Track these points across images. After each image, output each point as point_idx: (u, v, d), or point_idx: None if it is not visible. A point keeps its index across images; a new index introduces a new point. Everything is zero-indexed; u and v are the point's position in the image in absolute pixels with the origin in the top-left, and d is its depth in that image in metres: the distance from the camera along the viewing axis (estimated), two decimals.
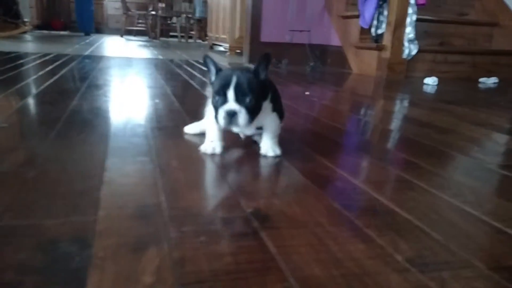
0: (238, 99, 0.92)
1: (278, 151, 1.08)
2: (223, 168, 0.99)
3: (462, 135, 1.51)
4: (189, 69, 3.38)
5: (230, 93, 0.92)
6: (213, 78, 1.01)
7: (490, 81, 3.48)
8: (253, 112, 0.94)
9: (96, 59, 3.67)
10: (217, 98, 0.95)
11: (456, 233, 0.72)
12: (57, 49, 4.39)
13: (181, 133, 1.27)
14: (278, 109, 1.07)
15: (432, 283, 0.56)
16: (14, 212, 0.70)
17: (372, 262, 0.61)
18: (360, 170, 1.08)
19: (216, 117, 0.96)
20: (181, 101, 1.86)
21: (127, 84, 2.36)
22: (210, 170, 0.99)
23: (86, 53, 4.23)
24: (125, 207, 0.74)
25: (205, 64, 1.02)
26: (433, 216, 0.78)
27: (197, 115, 1.44)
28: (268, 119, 1.05)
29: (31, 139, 1.17)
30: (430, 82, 3.12)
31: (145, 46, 6.30)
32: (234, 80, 0.92)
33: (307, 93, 2.40)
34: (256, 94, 0.94)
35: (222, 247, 0.63)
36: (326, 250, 0.64)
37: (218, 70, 1.00)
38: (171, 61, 4.07)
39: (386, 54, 3.47)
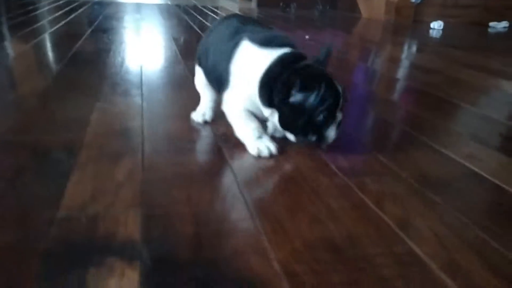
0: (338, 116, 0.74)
1: None
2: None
3: (462, 82, 1.57)
4: (195, 13, 3.40)
5: (338, 112, 0.73)
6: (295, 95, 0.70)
7: (501, 26, 3.41)
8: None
9: (104, 4, 3.71)
10: (319, 116, 0.70)
11: (401, 156, 0.82)
12: None
13: (172, 73, 1.37)
14: None
15: (354, 185, 0.68)
16: (15, 131, 0.83)
17: (311, 170, 0.72)
18: None
19: (302, 132, 0.73)
20: (179, 43, 1.94)
21: (131, 29, 2.43)
22: (192, 105, 1.10)
23: None
24: (110, 127, 0.86)
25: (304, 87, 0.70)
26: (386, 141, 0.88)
27: (192, 56, 1.53)
28: None
29: (37, 75, 1.29)
30: (436, 26, 3.10)
31: None
32: (340, 97, 0.72)
33: (307, 37, 2.43)
34: None
35: (188, 158, 0.75)
36: (276, 161, 0.75)
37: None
38: (178, 6, 4.08)
39: None
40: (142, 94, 1.11)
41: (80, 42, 1.81)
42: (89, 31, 2.16)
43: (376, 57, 2.00)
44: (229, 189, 0.65)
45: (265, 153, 0.76)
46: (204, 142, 0.84)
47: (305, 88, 0.69)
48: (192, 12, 3.55)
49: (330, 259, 0.50)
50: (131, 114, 0.96)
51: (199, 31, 2.42)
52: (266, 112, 0.75)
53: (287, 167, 0.74)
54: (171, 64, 1.49)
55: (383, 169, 0.75)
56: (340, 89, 0.71)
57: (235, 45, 0.77)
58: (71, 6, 3.33)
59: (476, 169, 0.76)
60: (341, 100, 0.72)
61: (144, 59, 1.55)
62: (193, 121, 0.93)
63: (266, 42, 0.75)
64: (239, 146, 0.80)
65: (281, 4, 4.12)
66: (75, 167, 0.68)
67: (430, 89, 1.35)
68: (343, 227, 0.56)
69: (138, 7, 3.77)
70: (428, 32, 3.00)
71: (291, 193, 0.65)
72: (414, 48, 2.34)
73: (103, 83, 1.19)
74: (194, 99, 0.98)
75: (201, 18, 3.09)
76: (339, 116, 0.73)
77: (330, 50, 0.77)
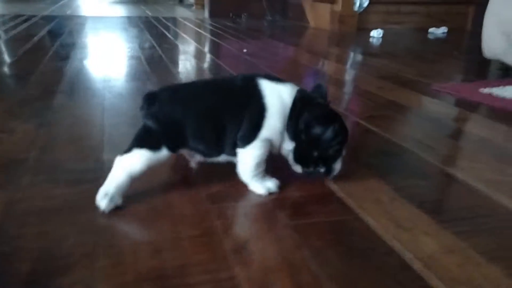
0: None
1: None
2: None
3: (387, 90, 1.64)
4: (157, 24, 3.42)
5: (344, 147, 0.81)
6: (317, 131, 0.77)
7: (439, 31, 3.57)
8: None
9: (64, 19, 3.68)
10: (332, 149, 0.77)
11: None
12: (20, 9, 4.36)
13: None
14: None
15: (214, 211, 0.72)
16: None
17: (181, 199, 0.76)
18: None
19: (314, 163, 0.79)
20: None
21: (95, 44, 2.43)
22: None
23: (46, 13, 4.21)
24: None
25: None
26: None
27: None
28: None
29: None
30: (376, 34, 3.21)
31: (114, 2, 6.22)
32: (348, 133, 0.81)
33: (245, 50, 2.49)
34: None
35: (63, 191, 0.78)
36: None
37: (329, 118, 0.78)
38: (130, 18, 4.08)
39: (338, 7, 3.52)
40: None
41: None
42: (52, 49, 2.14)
43: (306, 72, 2.07)
44: (87, 224, 0.68)
45: (273, 189, 0.80)
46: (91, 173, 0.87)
47: (324, 123, 0.76)
48: (155, 22, 3.55)
49: None
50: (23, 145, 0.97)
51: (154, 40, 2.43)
52: (289, 145, 0.80)
53: (157, 198, 0.78)
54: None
55: (246, 191, 0.79)
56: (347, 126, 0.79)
57: (248, 88, 0.79)
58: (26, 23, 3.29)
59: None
60: (348, 136, 0.79)
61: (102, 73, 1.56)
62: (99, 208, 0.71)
63: (273, 78, 0.81)
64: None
65: (230, 14, 4.18)
66: None
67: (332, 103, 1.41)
68: (182, 256, 0.60)
69: (98, 20, 3.75)
70: (368, 40, 3.10)
71: (150, 223, 0.69)
72: (344, 59, 2.43)
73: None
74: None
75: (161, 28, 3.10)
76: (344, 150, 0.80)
77: (324, 90, 0.84)
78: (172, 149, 0.75)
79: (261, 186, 0.79)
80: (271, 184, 0.80)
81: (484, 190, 0.83)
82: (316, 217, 0.72)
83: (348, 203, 0.76)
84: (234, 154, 0.78)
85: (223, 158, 0.80)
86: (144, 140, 0.74)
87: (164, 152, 0.74)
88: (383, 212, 0.73)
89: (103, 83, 1.57)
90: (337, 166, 0.80)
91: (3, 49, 2.31)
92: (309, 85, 0.94)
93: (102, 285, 0.54)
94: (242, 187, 0.80)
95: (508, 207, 0.77)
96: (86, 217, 0.69)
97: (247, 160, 0.77)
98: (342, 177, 0.83)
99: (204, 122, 0.75)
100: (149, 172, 0.74)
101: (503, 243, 0.66)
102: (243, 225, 0.70)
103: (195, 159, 0.85)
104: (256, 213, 0.73)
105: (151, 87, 1.51)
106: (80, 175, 0.84)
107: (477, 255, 0.62)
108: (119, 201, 0.72)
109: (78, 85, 1.55)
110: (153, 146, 0.73)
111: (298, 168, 0.82)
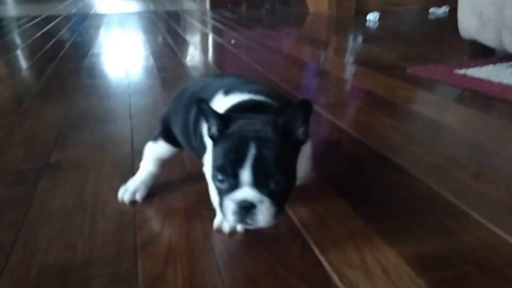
0: (259, 182, 0.54)
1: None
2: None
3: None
4: (168, 19, 3.46)
5: (246, 174, 0.54)
6: (214, 131, 0.59)
7: (440, 11, 3.47)
8: (283, 200, 0.57)
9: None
10: (220, 177, 0.56)
11: None
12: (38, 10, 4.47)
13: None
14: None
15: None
16: None
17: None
18: None
19: (220, 206, 0.58)
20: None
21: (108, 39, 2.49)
22: None
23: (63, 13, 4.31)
24: None
25: (200, 111, 0.59)
26: None
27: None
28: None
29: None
30: (372, 18, 3.15)
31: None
32: (252, 152, 0.54)
33: (232, 41, 2.49)
34: (289, 169, 0.58)
35: None
36: None
37: (223, 120, 0.58)
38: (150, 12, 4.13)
39: None
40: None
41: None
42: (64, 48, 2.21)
43: (291, 62, 2.06)
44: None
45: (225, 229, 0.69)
46: None
47: None
48: (165, 16, 3.59)
49: None
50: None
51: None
52: None
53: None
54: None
55: None
56: (253, 149, 0.54)
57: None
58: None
59: None
60: (249, 158, 0.55)
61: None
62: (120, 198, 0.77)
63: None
64: None
65: (229, 5, 4.17)
66: None
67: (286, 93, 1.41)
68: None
69: (107, 17, 3.82)
70: (364, 24, 3.05)
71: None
72: (334, 47, 2.40)
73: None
74: None
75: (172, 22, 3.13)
76: (247, 178, 0.56)
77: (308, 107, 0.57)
78: None
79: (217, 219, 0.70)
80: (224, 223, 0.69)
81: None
82: None
83: None
84: None
85: None
86: None
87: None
88: None
89: (125, 73, 1.61)
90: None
91: (31, 49, 2.39)
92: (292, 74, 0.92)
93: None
94: None
95: None
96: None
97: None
98: None
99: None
100: None
101: None
102: None
103: None
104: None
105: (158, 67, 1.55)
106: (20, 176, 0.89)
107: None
108: None
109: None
110: None
111: None
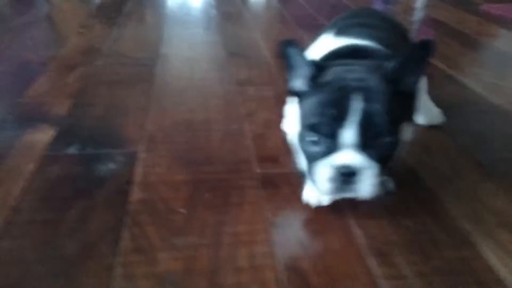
0: (365, 143, 0.45)
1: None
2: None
3: None
4: None
5: (348, 133, 0.45)
6: (299, 84, 0.50)
7: None
8: (387, 163, 0.48)
9: None
10: (314, 138, 0.47)
11: None
12: None
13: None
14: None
15: None
16: None
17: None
18: None
19: (310, 173, 0.50)
20: None
21: None
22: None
23: None
24: None
25: (283, 55, 0.49)
26: None
27: None
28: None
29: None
30: None
31: None
32: (356, 106, 0.44)
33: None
34: (400, 128, 0.47)
35: None
36: None
37: (316, 68, 0.49)
38: None
39: None
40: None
41: None
42: None
43: None
44: (143, 91, 0.90)
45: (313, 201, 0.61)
46: None
47: None
48: None
49: None
50: None
51: None
52: None
53: None
54: None
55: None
56: (358, 102, 0.45)
57: None
58: None
59: None
60: (352, 115, 0.46)
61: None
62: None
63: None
64: None
65: None
66: None
67: None
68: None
69: None
70: None
71: None
72: None
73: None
74: None
75: None
76: (350, 138, 0.48)
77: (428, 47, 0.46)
78: None
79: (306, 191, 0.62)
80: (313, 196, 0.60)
81: None
82: None
83: None
84: None
85: None
86: None
87: None
88: None
89: None
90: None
91: None
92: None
93: (150, 126, 0.77)
94: None
95: None
96: (140, 87, 0.92)
97: None
98: None
99: None
100: None
101: None
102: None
103: None
104: None
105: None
106: (139, 61, 1.07)
107: None
108: None
109: None
110: None
111: None
